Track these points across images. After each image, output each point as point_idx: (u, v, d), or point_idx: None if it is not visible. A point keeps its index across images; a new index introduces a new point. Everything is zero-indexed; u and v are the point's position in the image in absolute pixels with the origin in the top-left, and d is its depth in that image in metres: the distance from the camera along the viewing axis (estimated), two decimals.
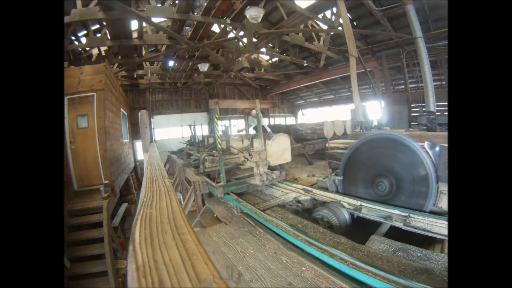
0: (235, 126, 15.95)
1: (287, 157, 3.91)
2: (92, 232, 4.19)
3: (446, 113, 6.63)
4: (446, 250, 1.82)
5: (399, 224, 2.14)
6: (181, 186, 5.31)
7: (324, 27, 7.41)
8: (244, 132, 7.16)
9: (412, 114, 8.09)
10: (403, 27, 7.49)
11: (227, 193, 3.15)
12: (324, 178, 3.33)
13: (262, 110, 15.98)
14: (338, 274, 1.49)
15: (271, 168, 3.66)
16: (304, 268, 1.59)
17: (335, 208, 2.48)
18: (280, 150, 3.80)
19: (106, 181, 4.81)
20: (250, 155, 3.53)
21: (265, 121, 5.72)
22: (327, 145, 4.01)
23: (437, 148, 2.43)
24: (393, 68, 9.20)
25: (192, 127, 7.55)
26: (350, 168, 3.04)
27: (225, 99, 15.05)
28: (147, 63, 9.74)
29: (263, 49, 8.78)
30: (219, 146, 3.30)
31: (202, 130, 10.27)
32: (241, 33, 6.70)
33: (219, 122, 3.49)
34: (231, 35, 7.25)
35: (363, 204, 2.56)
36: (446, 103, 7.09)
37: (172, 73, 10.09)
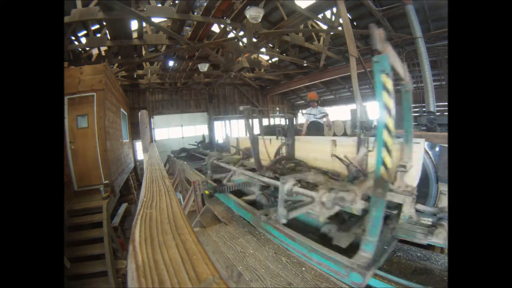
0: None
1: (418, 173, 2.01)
2: (92, 232, 4.19)
3: (446, 113, 6.63)
4: (446, 250, 1.82)
5: None
6: (181, 186, 5.31)
7: (324, 27, 7.40)
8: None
9: (412, 114, 8.08)
10: (403, 27, 7.49)
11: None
12: None
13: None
14: None
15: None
16: (304, 268, 1.59)
17: None
18: (419, 164, 2.01)
19: (106, 181, 4.81)
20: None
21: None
22: None
23: (437, 148, 2.43)
24: (393, 68, 9.18)
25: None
26: None
27: (224, 99, 15.05)
28: (147, 63, 9.74)
29: (263, 49, 8.78)
30: (389, 165, 1.45)
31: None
32: (241, 33, 6.70)
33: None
34: (231, 35, 7.25)
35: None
36: (446, 103, 7.10)
37: (172, 73, 10.09)
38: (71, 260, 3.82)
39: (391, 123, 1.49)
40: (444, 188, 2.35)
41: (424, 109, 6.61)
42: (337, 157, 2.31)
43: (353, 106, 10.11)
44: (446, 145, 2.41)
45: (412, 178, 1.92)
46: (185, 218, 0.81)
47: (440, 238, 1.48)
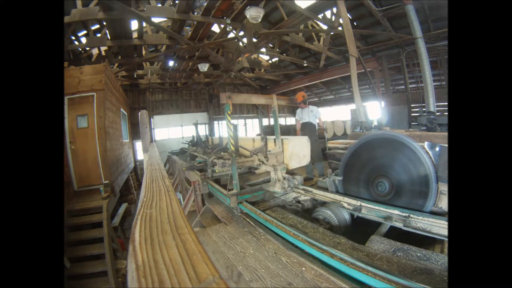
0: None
1: (306, 159, 3.57)
2: (92, 232, 4.19)
3: (446, 113, 6.64)
4: (446, 250, 1.82)
5: (399, 224, 2.14)
6: (181, 186, 5.31)
7: (324, 27, 7.41)
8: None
9: (412, 114, 8.10)
10: (403, 27, 7.49)
11: (241, 202, 2.73)
12: (324, 178, 3.32)
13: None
14: (338, 274, 1.49)
15: (289, 172, 3.28)
16: (304, 268, 1.59)
17: (335, 208, 2.48)
18: (299, 151, 3.43)
19: (106, 181, 4.81)
20: (265, 157, 3.16)
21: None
22: (327, 145, 4.00)
23: (437, 148, 2.43)
24: (393, 68, 9.20)
25: (196, 126, 7.38)
26: (350, 168, 3.04)
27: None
28: (147, 63, 9.74)
29: (263, 49, 8.78)
30: (232, 147, 2.88)
31: (206, 130, 10.27)
32: (241, 33, 6.70)
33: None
34: (231, 35, 7.25)
35: (363, 204, 2.56)
36: (446, 103, 7.10)
37: (172, 73, 10.09)
38: (71, 260, 3.83)
39: (231, 133, 2.91)
40: (444, 188, 2.35)
41: (424, 109, 6.61)
42: (242, 147, 3.80)
43: (353, 106, 10.12)
44: (446, 145, 2.41)
45: (287, 159, 3.35)
46: (185, 218, 0.81)
47: (277, 188, 2.84)
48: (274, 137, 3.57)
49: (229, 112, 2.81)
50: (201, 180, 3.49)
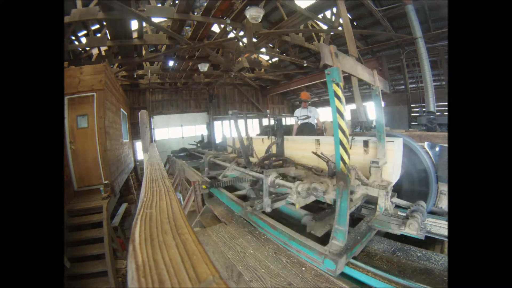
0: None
1: (399, 170, 2.24)
2: (92, 232, 4.19)
3: (446, 113, 6.64)
4: (446, 250, 1.82)
5: None
6: (181, 186, 5.31)
7: (324, 27, 7.40)
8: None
9: (412, 114, 8.10)
10: (403, 27, 7.49)
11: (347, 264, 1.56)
12: None
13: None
14: (338, 274, 1.49)
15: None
16: (304, 268, 1.59)
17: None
18: (398, 160, 2.17)
19: (106, 181, 4.81)
20: (368, 174, 1.92)
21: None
22: None
23: (437, 148, 2.43)
24: (393, 68, 9.21)
25: (236, 120, 6.43)
26: None
27: (224, 99, 14.96)
28: (147, 63, 9.74)
29: (263, 49, 8.78)
30: (346, 159, 1.50)
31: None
32: (241, 33, 6.70)
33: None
34: (231, 35, 7.25)
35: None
36: (446, 103, 7.10)
37: (172, 73, 10.09)
38: (71, 260, 3.82)
39: (344, 125, 1.56)
40: (444, 188, 2.35)
41: (424, 109, 6.61)
42: (315, 154, 2.31)
43: (353, 106, 10.12)
44: (446, 145, 2.41)
45: (389, 173, 2.00)
46: (185, 218, 0.81)
47: (412, 229, 1.53)
48: (363, 137, 2.31)
49: (341, 84, 1.65)
50: (245, 214, 2.32)
